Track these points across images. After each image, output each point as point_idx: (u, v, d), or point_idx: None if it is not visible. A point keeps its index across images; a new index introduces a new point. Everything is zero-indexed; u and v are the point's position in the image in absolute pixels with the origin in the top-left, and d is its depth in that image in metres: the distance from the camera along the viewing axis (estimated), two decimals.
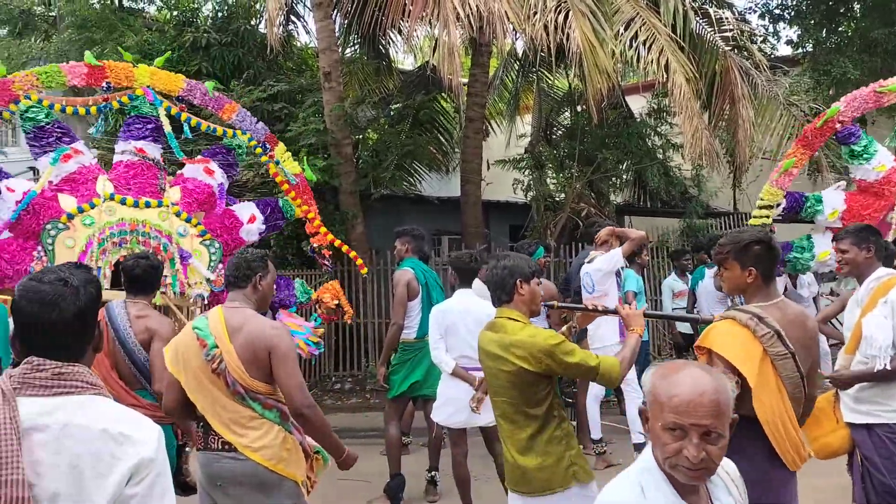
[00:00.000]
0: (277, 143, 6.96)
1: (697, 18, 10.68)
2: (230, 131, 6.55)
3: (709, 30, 10.96)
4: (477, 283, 5.51)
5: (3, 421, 1.58)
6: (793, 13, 14.45)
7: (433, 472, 5.72)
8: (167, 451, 1.74)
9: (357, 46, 13.06)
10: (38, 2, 12.80)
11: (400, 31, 11.90)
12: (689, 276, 8.52)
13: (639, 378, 6.39)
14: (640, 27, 9.49)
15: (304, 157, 9.69)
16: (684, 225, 12.66)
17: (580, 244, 10.54)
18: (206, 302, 6.17)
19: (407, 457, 6.32)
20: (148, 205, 5.89)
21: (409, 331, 5.73)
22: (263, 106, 10.45)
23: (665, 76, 9.27)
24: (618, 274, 6.18)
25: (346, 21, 11.70)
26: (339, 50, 11.71)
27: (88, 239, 5.57)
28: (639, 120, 12.69)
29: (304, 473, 3.23)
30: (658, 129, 12.72)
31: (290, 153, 7.05)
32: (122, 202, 5.78)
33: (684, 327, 8.40)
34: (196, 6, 12.36)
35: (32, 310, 1.68)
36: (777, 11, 14.73)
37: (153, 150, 6.21)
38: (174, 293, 5.90)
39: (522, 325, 3.08)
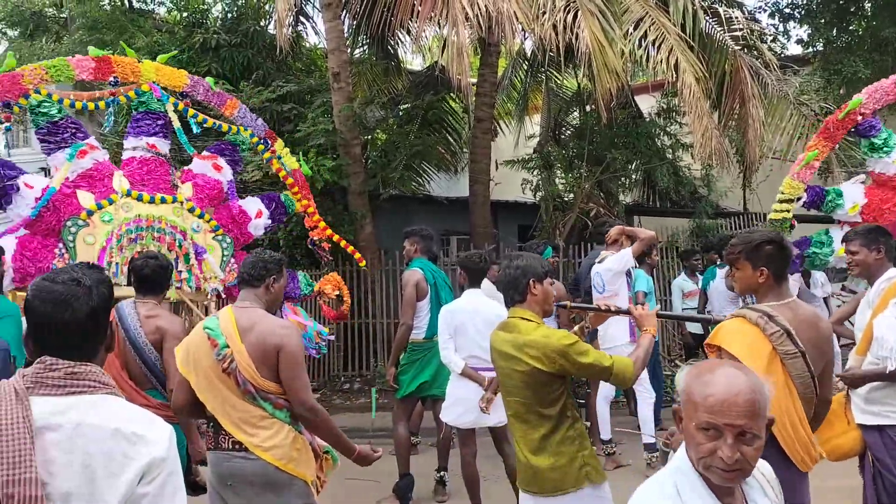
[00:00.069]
0: (276, 139, 7.07)
1: (707, 18, 10.64)
2: (234, 127, 6.60)
3: (718, 29, 10.91)
4: (486, 283, 5.51)
5: (16, 420, 1.59)
6: (803, 12, 14.37)
7: (442, 472, 5.73)
8: (178, 451, 1.75)
9: (366, 47, 13.08)
10: (50, 3, 12.87)
11: (409, 32, 11.91)
12: (699, 276, 8.50)
13: (651, 379, 6.39)
14: (650, 27, 9.46)
15: (314, 158, 9.74)
16: (694, 225, 12.62)
17: (589, 244, 10.53)
18: (222, 297, 6.22)
19: (416, 457, 6.33)
20: (163, 201, 5.93)
21: (418, 331, 5.73)
22: (273, 106, 10.50)
23: (674, 76, 9.23)
24: (628, 274, 6.16)
25: (354, 22, 11.71)
26: (348, 50, 11.72)
27: (108, 235, 5.58)
28: (648, 120, 12.65)
29: (314, 473, 3.24)
30: (667, 128, 12.67)
31: (287, 149, 7.14)
32: (139, 198, 5.81)
33: (694, 327, 8.37)
34: (206, 7, 12.40)
35: (45, 309, 1.70)
36: (787, 10, 14.65)
37: (164, 146, 6.25)
38: (190, 288, 5.94)
39: (536, 325, 3.08)
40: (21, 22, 12.60)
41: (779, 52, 13.39)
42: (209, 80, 6.70)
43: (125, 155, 6.17)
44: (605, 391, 6.36)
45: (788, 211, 6.23)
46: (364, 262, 7.87)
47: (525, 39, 11.93)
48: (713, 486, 1.74)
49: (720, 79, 10.48)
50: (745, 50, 11.10)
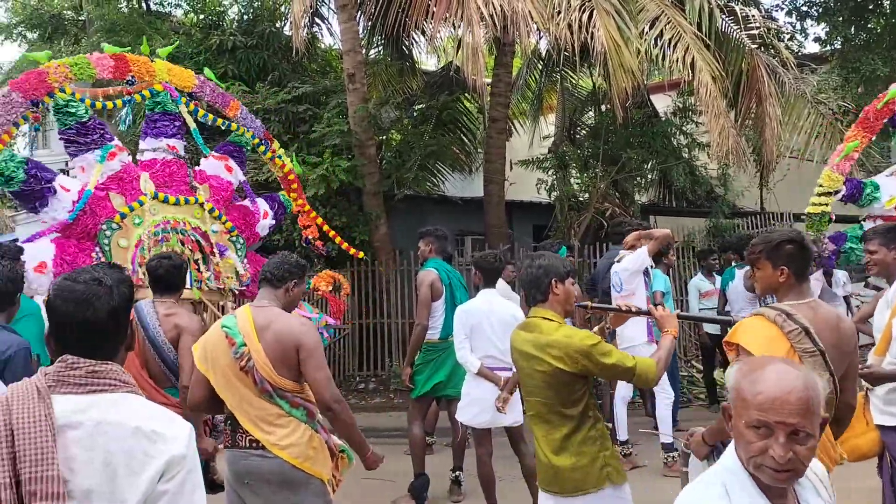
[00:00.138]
0: (273, 140, 7.15)
1: (723, 16, 10.58)
2: (241, 129, 6.66)
3: (735, 28, 10.85)
4: (501, 282, 5.52)
5: (38, 418, 1.61)
6: (820, 10, 14.26)
7: (457, 472, 5.73)
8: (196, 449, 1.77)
9: (381, 48, 13.11)
10: (68, 7, 13.00)
11: (423, 32, 11.93)
12: (716, 276, 8.45)
13: (670, 380, 6.37)
14: (666, 25, 9.42)
15: (329, 159, 9.78)
16: (710, 225, 12.55)
17: (604, 244, 10.49)
18: (239, 296, 6.26)
19: (431, 457, 6.33)
20: (186, 202, 5.97)
21: (433, 331, 5.73)
22: (288, 108, 10.55)
23: (691, 75, 9.20)
24: (646, 273, 6.14)
25: (369, 23, 11.75)
26: (363, 51, 11.76)
27: (138, 238, 5.58)
28: (664, 119, 12.60)
29: (330, 472, 3.26)
30: (683, 128, 12.61)
31: (283, 149, 7.25)
32: (165, 200, 5.83)
33: (711, 328, 8.31)
34: (222, 10, 12.48)
35: (67, 309, 1.71)
36: (804, 8, 14.55)
37: (180, 148, 6.29)
38: (209, 288, 5.98)
39: (558, 324, 3.07)
40: (40, 25, 12.74)
41: (796, 51, 13.30)
42: (208, 73, 6.72)
43: (145, 156, 6.14)
44: (623, 392, 6.34)
45: (827, 204, 6.10)
46: (362, 254, 7.94)
47: (540, 39, 11.92)
48: (764, 485, 1.68)
49: (737, 77, 10.42)
50: (762, 48, 11.03)
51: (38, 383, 1.68)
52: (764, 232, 3.13)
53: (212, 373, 3.18)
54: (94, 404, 1.67)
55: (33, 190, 5.20)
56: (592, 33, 8.77)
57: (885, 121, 6.03)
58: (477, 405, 4.97)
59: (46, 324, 1.81)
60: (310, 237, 7.23)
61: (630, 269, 5.86)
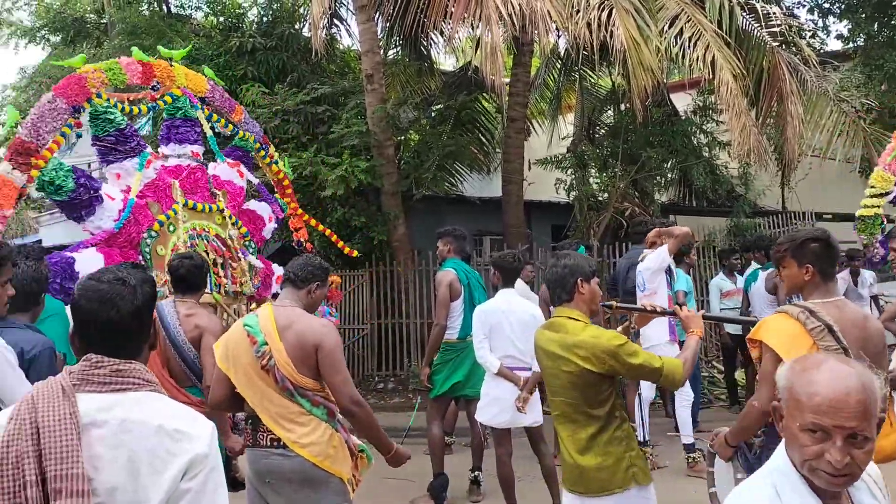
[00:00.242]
0: (270, 144, 7.23)
1: (744, 14, 10.49)
2: (248, 135, 6.69)
3: (756, 25, 10.75)
4: (519, 282, 5.50)
5: (63, 416, 1.63)
6: (843, 7, 14.10)
7: (476, 472, 5.72)
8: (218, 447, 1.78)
9: (399, 48, 13.14)
10: (91, 10, 13.14)
11: (442, 33, 11.94)
12: (738, 276, 8.39)
13: (691, 381, 6.32)
14: (686, 24, 9.36)
15: (348, 159, 9.82)
16: (731, 224, 12.44)
17: (624, 244, 10.44)
18: (249, 300, 6.30)
19: (450, 457, 6.33)
20: (210, 209, 5.99)
21: (452, 331, 5.72)
22: (307, 108, 10.60)
23: (711, 73, 9.13)
24: (669, 272, 6.10)
25: (388, 23, 11.77)
26: (382, 52, 11.79)
27: (174, 245, 5.56)
28: (684, 118, 12.52)
29: (350, 471, 3.27)
30: (704, 126, 12.52)
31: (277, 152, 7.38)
32: (193, 208, 5.82)
33: (733, 328, 8.24)
34: (241, 11, 12.57)
35: (91, 308, 1.73)
36: (826, 6, 14.40)
37: (201, 154, 6.32)
38: (227, 293, 6.01)
39: (584, 324, 3.05)
40: (63, 28, 12.88)
41: (818, 48, 13.15)
42: (207, 71, 6.73)
43: (170, 162, 6.06)
44: (646, 393, 6.30)
45: (879, 206, 5.97)
46: (356, 253, 8.00)
47: (559, 38, 11.88)
48: (816, 487, 1.62)
49: (758, 76, 10.34)
50: (784, 46, 10.93)
51: (63, 382, 1.70)
52: (787, 231, 3.11)
53: (233, 371, 3.21)
54: (118, 403, 1.69)
55: (81, 199, 5.11)
56: (612, 32, 8.73)
57: None
58: (496, 405, 4.97)
59: (71, 323, 1.83)
60: (302, 239, 7.27)
61: (651, 267, 5.83)
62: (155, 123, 6.49)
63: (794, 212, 12.37)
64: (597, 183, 12.27)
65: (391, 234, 10.69)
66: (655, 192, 13.00)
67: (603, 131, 13.54)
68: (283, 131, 10.54)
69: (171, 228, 5.60)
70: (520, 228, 11.09)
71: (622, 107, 12.60)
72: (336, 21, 12.63)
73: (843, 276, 7.86)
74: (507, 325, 4.95)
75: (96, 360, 1.72)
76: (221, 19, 12.51)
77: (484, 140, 13.29)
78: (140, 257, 5.28)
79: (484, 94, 12.72)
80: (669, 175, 12.94)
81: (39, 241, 15.66)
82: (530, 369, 4.95)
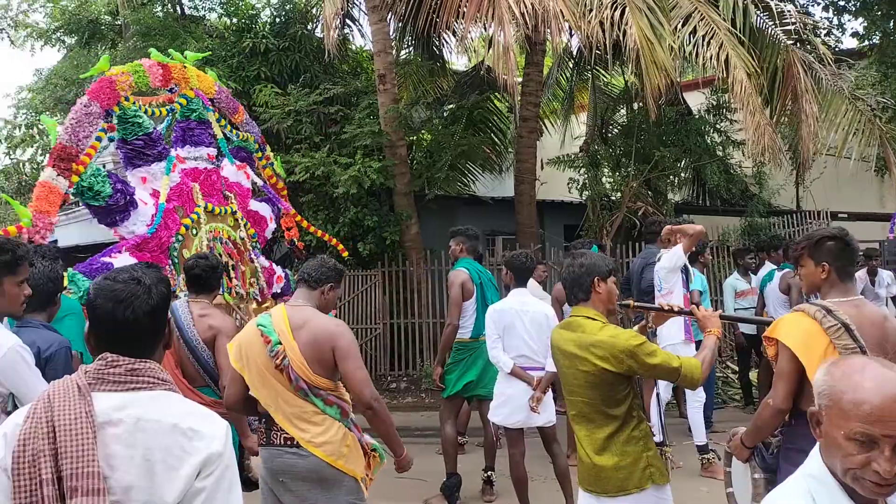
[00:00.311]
0: (267, 145, 7.23)
1: (758, 12, 10.42)
2: (247, 134, 6.70)
3: (770, 23, 10.67)
4: (532, 282, 5.49)
5: (79, 415, 1.64)
6: (858, 4, 13.98)
7: (489, 472, 5.72)
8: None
9: (411, 48, 13.14)
10: (105, 12, 13.22)
11: (454, 33, 11.93)
12: (752, 276, 8.34)
13: (706, 383, 6.29)
14: (699, 22, 9.30)
15: (361, 159, 9.84)
16: (745, 224, 12.37)
17: (637, 244, 10.40)
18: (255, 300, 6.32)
19: (463, 456, 6.33)
20: (224, 212, 6.01)
21: (464, 331, 5.73)
22: (320, 109, 10.63)
23: (725, 71, 9.07)
24: (686, 271, 6.07)
25: (400, 23, 11.77)
26: (394, 52, 11.80)
27: (195, 249, 5.55)
28: (697, 117, 12.45)
29: (363, 470, 3.27)
30: (718, 125, 12.45)
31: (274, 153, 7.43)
32: (211, 211, 5.83)
33: (747, 328, 8.20)
34: (254, 13, 12.61)
35: (107, 307, 1.74)
36: (841, 3, 14.27)
37: (214, 156, 6.34)
38: (237, 294, 6.03)
39: (601, 324, 3.04)
40: (78, 30, 12.97)
41: (833, 46, 13.03)
42: (211, 74, 6.74)
43: (187, 165, 6.05)
44: (663, 394, 6.26)
45: None
46: (347, 253, 8.00)
47: (571, 37, 11.85)
48: (855, 494, 1.56)
49: (772, 74, 10.26)
50: (798, 44, 10.84)
51: (79, 381, 1.71)
52: (802, 231, 3.10)
53: (246, 371, 3.22)
54: (133, 402, 1.70)
55: (118, 204, 5.10)
56: (625, 31, 8.69)
57: None
58: (510, 405, 4.97)
59: (87, 322, 1.84)
60: (293, 239, 7.30)
61: (667, 267, 5.81)
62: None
63: (808, 211, 12.26)
64: (610, 182, 12.22)
65: (404, 234, 10.70)
66: (669, 191, 12.94)
67: (616, 130, 13.48)
68: (296, 131, 10.57)
69: (194, 232, 5.61)
70: (532, 228, 11.07)
71: (635, 106, 12.55)
72: (349, 21, 12.65)
73: (860, 276, 7.80)
74: (521, 325, 4.94)
75: (112, 360, 1.73)
76: (235, 20, 12.55)
77: (496, 140, 13.27)
78: (170, 262, 5.27)
79: (496, 94, 12.70)
80: (683, 174, 12.88)
81: (55, 242, 15.78)
82: (543, 369, 4.94)
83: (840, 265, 2.87)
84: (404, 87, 12.33)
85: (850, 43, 14.76)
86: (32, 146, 13.60)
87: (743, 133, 10.37)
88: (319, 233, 7.56)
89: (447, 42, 12.95)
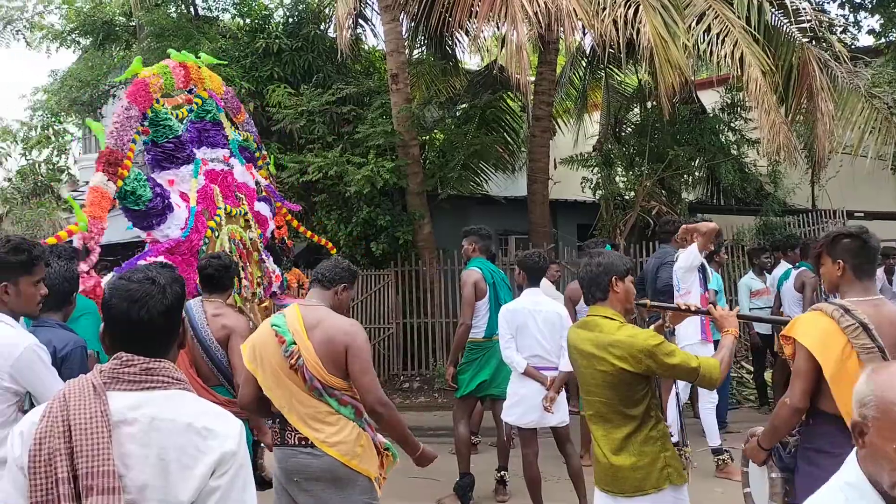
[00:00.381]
0: (263, 144, 7.28)
1: (773, 9, 10.34)
2: (247, 135, 6.71)
3: (785, 21, 10.60)
4: (544, 282, 5.48)
5: (94, 414, 1.65)
6: (874, 1, 13.84)
7: (502, 472, 5.71)
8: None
9: (424, 48, 13.14)
10: (120, 13, 13.30)
11: (467, 32, 11.92)
12: (767, 275, 8.29)
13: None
14: (713, 20, 9.25)
15: (373, 159, 9.85)
16: (760, 223, 12.28)
17: (651, 243, 10.36)
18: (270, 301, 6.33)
19: (476, 456, 6.33)
20: (238, 213, 6.02)
21: (477, 330, 5.72)
22: (333, 109, 10.65)
23: (739, 70, 9.01)
24: (703, 270, 6.05)
25: (413, 23, 11.78)
26: (407, 52, 11.80)
27: (219, 251, 5.54)
28: (712, 115, 12.38)
29: (377, 470, 3.28)
30: (732, 124, 12.37)
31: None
32: (229, 213, 5.84)
33: (763, 328, 8.14)
34: (268, 13, 12.64)
35: (121, 307, 1.75)
36: (858, 0, 14.14)
37: (229, 158, 6.35)
38: (245, 295, 6.04)
39: (619, 324, 3.02)
40: (93, 31, 13.04)
41: (849, 44, 12.91)
42: (209, 58, 6.67)
43: (207, 166, 6.00)
44: (682, 395, 6.23)
45: None
46: (335, 251, 8.02)
47: (584, 36, 11.80)
48: None
49: (787, 72, 10.18)
50: (814, 42, 10.76)
51: (94, 380, 1.72)
52: (817, 230, 3.09)
53: (260, 371, 3.22)
54: (147, 401, 1.71)
55: (157, 208, 5.09)
56: (638, 29, 8.66)
57: None
58: (523, 405, 4.96)
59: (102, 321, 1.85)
60: (284, 237, 7.32)
61: (684, 266, 5.80)
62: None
63: (824, 210, 12.15)
64: (623, 181, 12.17)
65: (416, 234, 10.71)
66: (683, 190, 12.87)
67: (629, 129, 13.42)
68: (309, 131, 10.59)
69: (216, 234, 5.62)
70: (545, 228, 11.05)
71: (649, 104, 12.49)
72: (361, 21, 12.67)
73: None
74: (534, 325, 4.94)
75: (126, 359, 1.74)
76: (248, 21, 12.59)
77: (509, 139, 13.25)
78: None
79: (509, 93, 12.68)
80: (697, 173, 12.80)
81: (70, 242, 15.90)
82: (557, 369, 4.93)
83: (856, 263, 2.85)
84: (417, 87, 12.33)
85: (866, 40, 14.61)
86: (48, 147, 13.69)
87: (758, 132, 10.30)
88: (309, 233, 7.55)
89: (460, 41, 12.96)
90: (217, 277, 4.22)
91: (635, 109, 13.59)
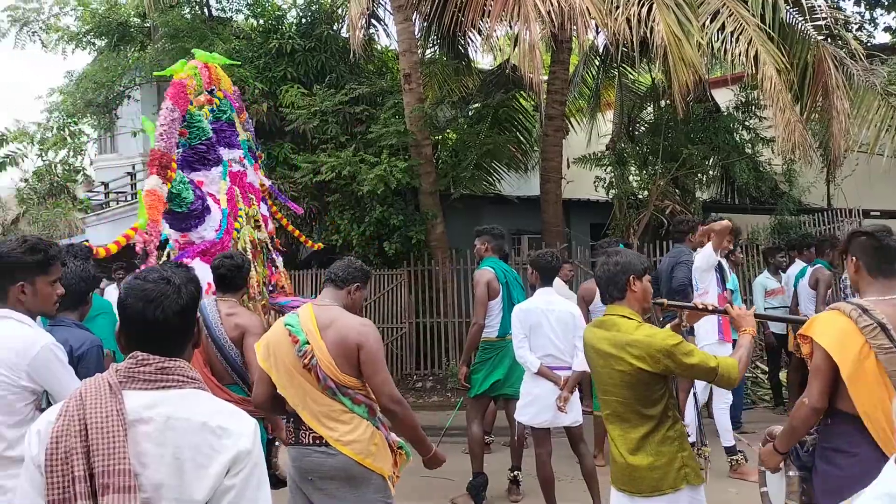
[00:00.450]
0: (260, 144, 7.26)
1: (788, 7, 10.27)
2: (249, 135, 6.69)
3: (800, 19, 10.53)
4: (557, 281, 5.47)
5: (110, 413, 1.66)
6: None
7: (515, 472, 5.71)
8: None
9: (436, 47, 13.15)
10: (134, 14, 13.38)
11: (479, 31, 11.92)
12: (782, 274, 8.24)
13: None
14: (727, 18, 9.20)
15: (386, 159, 9.86)
16: (775, 222, 12.20)
17: (664, 242, 10.31)
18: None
19: (489, 456, 6.32)
20: (250, 214, 6.05)
21: (490, 330, 5.72)
22: (345, 109, 10.67)
23: (754, 68, 8.96)
24: (721, 269, 6.04)
25: (425, 23, 11.79)
26: (419, 51, 11.81)
27: (242, 251, 5.53)
28: (726, 114, 12.31)
29: (391, 468, 3.28)
30: (746, 122, 12.30)
31: None
32: (246, 214, 5.85)
33: (778, 328, 8.09)
34: (281, 13, 12.69)
35: (137, 307, 1.76)
36: None
37: (245, 159, 6.37)
38: (254, 293, 6.05)
39: (637, 323, 3.01)
40: (108, 32, 13.12)
41: (865, 41, 12.80)
42: (222, 59, 6.65)
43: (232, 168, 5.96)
44: (701, 396, 6.19)
45: None
46: (320, 245, 7.96)
47: (597, 34, 11.77)
48: None
49: (802, 70, 10.12)
50: (829, 39, 10.68)
51: (110, 379, 1.73)
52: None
53: (274, 370, 3.24)
54: (163, 400, 1.72)
55: (199, 210, 5.08)
56: (652, 27, 8.62)
57: None
58: (536, 404, 4.95)
59: (118, 321, 1.86)
60: (272, 236, 7.32)
61: (701, 266, 5.82)
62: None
63: (840, 209, 12.05)
64: (636, 181, 12.12)
65: (429, 234, 10.71)
66: (697, 189, 12.81)
67: (643, 128, 13.37)
68: (322, 131, 10.62)
69: (239, 235, 5.64)
70: (558, 227, 11.02)
71: (662, 103, 12.45)
72: (374, 21, 12.69)
73: None
74: (547, 325, 4.93)
75: (142, 358, 1.75)
76: (261, 21, 12.63)
77: (522, 138, 13.24)
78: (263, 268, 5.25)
79: (522, 93, 12.67)
80: (711, 172, 12.75)
81: (86, 241, 16.02)
82: (570, 368, 4.92)
83: (870, 261, 2.82)
84: (429, 87, 12.34)
85: (882, 38, 14.49)
86: (64, 148, 13.80)
87: (772, 130, 10.24)
88: (297, 233, 7.53)
89: (472, 41, 12.96)
90: (230, 277, 4.24)
91: (649, 108, 13.53)
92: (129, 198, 18.47)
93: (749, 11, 9.35)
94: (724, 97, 12.74)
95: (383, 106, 10.98)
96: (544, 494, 5.07)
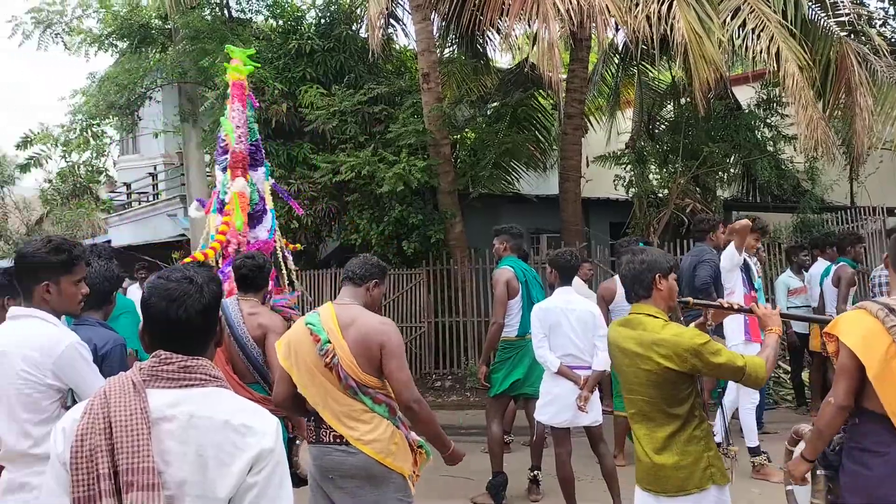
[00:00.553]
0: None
1: (810, 3, 10.18)
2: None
3: (822, 15, 10.42)
4: (577, 281, 5.45)
5: (134, 411, 1.68)
6: None
7: (535, 472, 5.69)
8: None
9: (455, 47, 13.15)
10: (156, 16, 13.50)
11: (498, 30, 11.90)
12: (805, 273, 8.15)
13: None
14: (749, 15, 9.11)
15: (405, 158, 9.88)
16: (798, 220, 12.08)
17: (685, 241, 10.24)
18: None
19: (509, 455, 6.31)
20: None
21: (510, 329, 5.71)
22: (364, 108, 10.70)
23: (776, 65, 8.86)
24: (747, 269, 6.00)
25: (444, 22, 11.79)
26: (438, 51, 11.81)
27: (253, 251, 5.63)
28: (747, 111, 12.20)
29: (411, 467, 3.29)
30: (768, 120, 12.18)
31: None
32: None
33: (800, 327, 8.01)
34: (300, 14, 12.74)
35: (160, 306, 1.78)
36: None
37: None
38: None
39: (663, 322, 2.98)
40: (129, 34, 13.25)
41: (889, 37, 12.62)
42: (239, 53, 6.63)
43: None
44: (731, 396, 6.14)
45: None
46: (300, 246, 7.90)
47: (617, 32, 11.71)
48: None
49: (825, 67, 10.00)
50: (852, 35, 10.55)
51: (134, 378, 1.75)
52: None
53: (295, 370, 3.25)
54: (186, 398, 1.73)
55: (260, 210, 5.13)
56: (672, 24, 8.56)
57: None
58: (556, 404, 4.94)
59: (142, 320, 1.88)
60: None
61: (726, 267, 5.81)
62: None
63: (863, 207, 11.91)
64: (657, 179, 12.05)
65: (448, 233, 10.71)
66: (718, 187, 12.70)
67: (663, 126, 13.29)
68: (341, 131, 10.66)
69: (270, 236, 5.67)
70: (577, 226, 10.98)
71: (683, 101, 12.35)
72: (392, 21, 12.71)
73: None
74: (567, 324, 4.91)
75: (165, 357, 1.77)
76: (281, 22, 12.70)
77: (541, 137, 13.19)
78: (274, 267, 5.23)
79: (540, 91, 12.62)
80: (732, 170, 12.63)
81: (109, 242, 16.23)
82: (590, 368, 4.91)
83: None
84: (448, 86, 12.34)
85: None
86: (87, 149, 13.95)
87: (794, 127, 10.13)
88: (284, 241, 7.54)
89: (491, 40, 12.95)
90: (251, 277, 4.28)
91: (669, 106, 13.45)
92: (150, 198, 18.64)
93: (770, 8, 9.26)
94: (746, 94, 12.63)
95: (402, 105, 10.99)
96: (564, 494, 5.05)
